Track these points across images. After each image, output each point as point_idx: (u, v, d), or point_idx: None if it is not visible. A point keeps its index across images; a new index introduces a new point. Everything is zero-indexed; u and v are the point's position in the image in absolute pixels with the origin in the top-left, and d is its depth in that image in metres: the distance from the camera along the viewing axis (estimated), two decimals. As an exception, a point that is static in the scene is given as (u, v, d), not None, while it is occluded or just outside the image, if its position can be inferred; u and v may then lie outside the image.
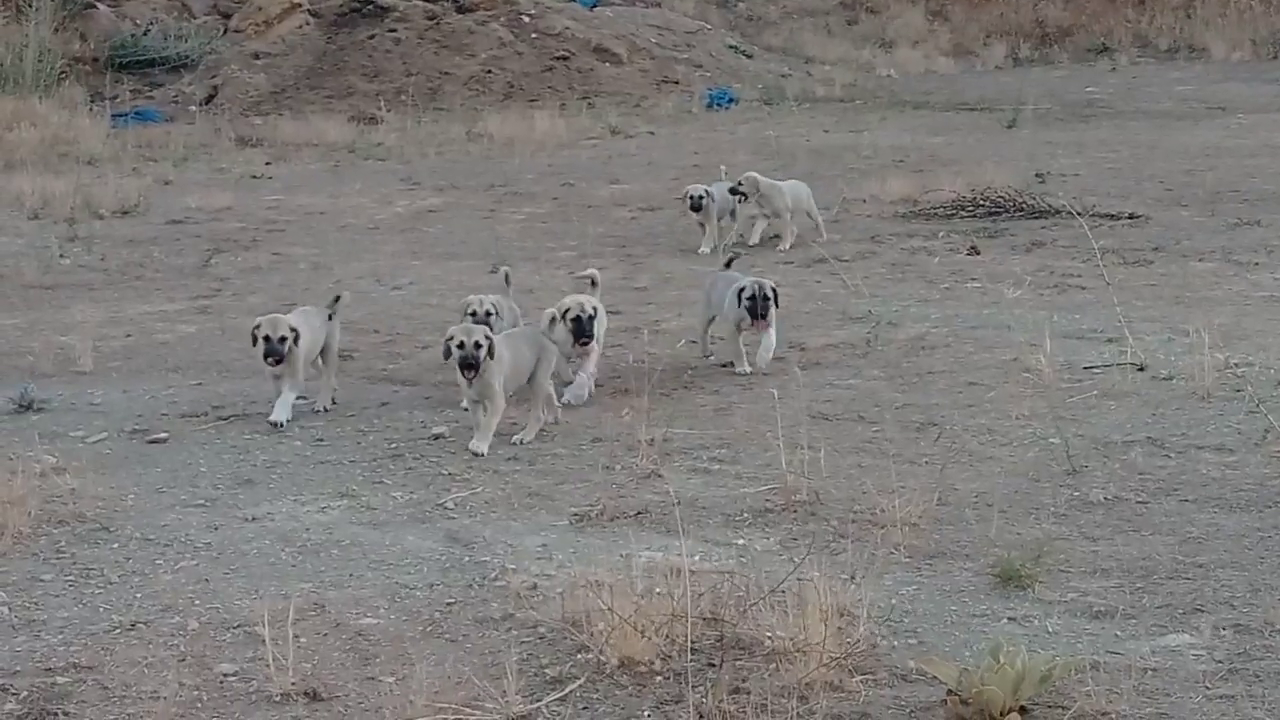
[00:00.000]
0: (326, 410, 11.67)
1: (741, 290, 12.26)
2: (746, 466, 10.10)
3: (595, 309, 11.56)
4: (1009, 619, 7.81)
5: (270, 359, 11.11)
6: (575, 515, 9.36)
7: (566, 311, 11.38)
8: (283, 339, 11.08)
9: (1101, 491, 9.40)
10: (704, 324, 13.00)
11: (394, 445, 10.82)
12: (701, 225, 18.08)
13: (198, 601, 8.21)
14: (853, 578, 7.91)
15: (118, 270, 17.66)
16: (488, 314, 11.68)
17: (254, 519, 9.40)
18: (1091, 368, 12.01)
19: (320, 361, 11.81)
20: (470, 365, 10.47)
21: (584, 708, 7.07)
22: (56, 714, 7.06)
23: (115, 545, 8.98)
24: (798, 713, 6.65)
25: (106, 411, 11.79)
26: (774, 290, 12.28)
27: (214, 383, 12.68)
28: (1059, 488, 9.49)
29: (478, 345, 10.53)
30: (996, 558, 8.38)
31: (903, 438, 10.55)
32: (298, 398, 11.50)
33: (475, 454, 10.40)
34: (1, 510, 9.11)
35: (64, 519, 9.35)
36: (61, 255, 18.13)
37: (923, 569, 8.42)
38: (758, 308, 12.17)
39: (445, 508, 9.54)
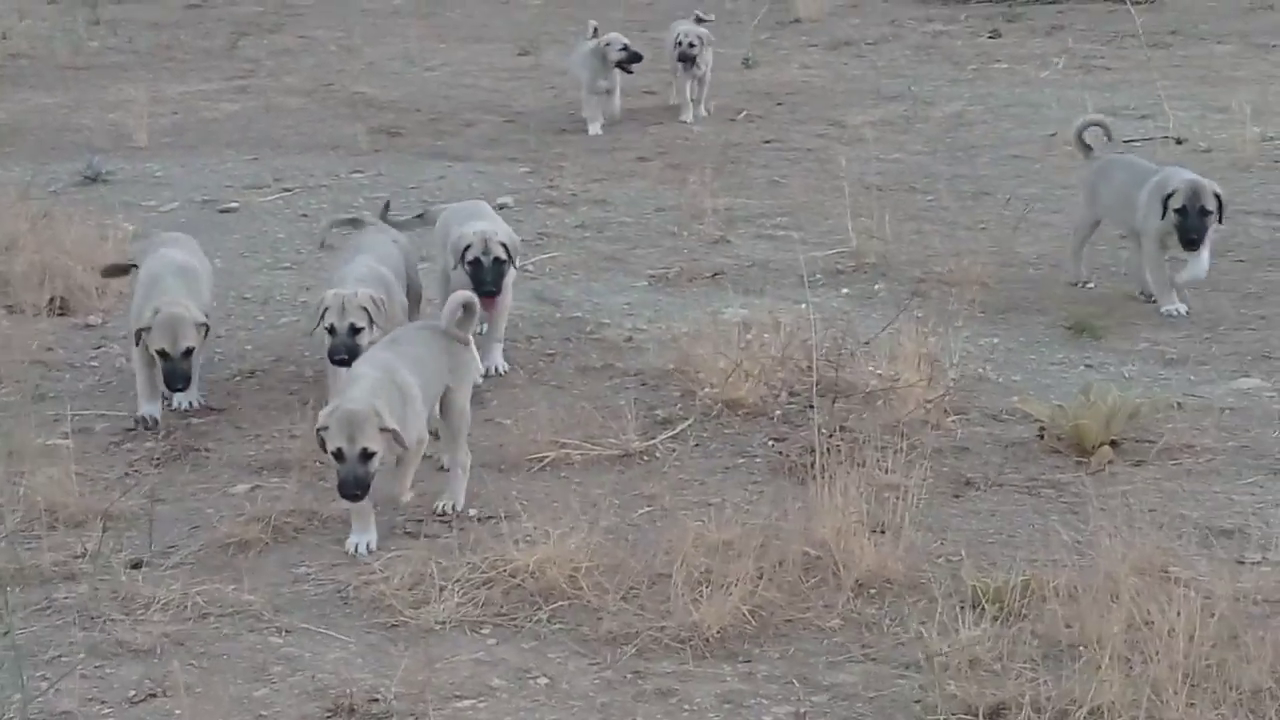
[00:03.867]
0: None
1: (1170, 196, 8.80)
2: (810, 233, 10.45)
3: (506, 245, 8.12)
4: (1086, 366, 8.25)
5: (340, 356, 7.43)
6: (653, 276, 9.73)
7: (466, 249, 8.07)
8: (356, 330, 7.47)
9: (1160, 253, 9.81)
10: (1083, 231, 9.49)
11: (461, 215, 11.10)
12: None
13: (307, 352, 8.58)
14: (934, 331, 8.30)
15: (147, 52, 17.81)
16: (353, 329, 7.44)
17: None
18: (1131, 141, 12.34)
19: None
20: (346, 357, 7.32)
21: (696, 445, 7.50)
22: (198, 449, 7.45)
23: (214, 304, 9.29)
24: (901, 447, 7.05)
25: (170, 184, 12.06)
26: (1218, 197, 8.87)
27: (269, 157, 12.93)
28: (1117, 249, 9.88)
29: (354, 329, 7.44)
30: (1068, 312, 8.80)
31: (958, 206, 10.92)
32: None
33: (357, 553, 6.53)
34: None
35: (159, 280, 9.65)
36: (89, 39, 18.25)
37: (998, 323, 8.84)
38: (1191, 226, 8.72)
39: (526, 270, 9.86)
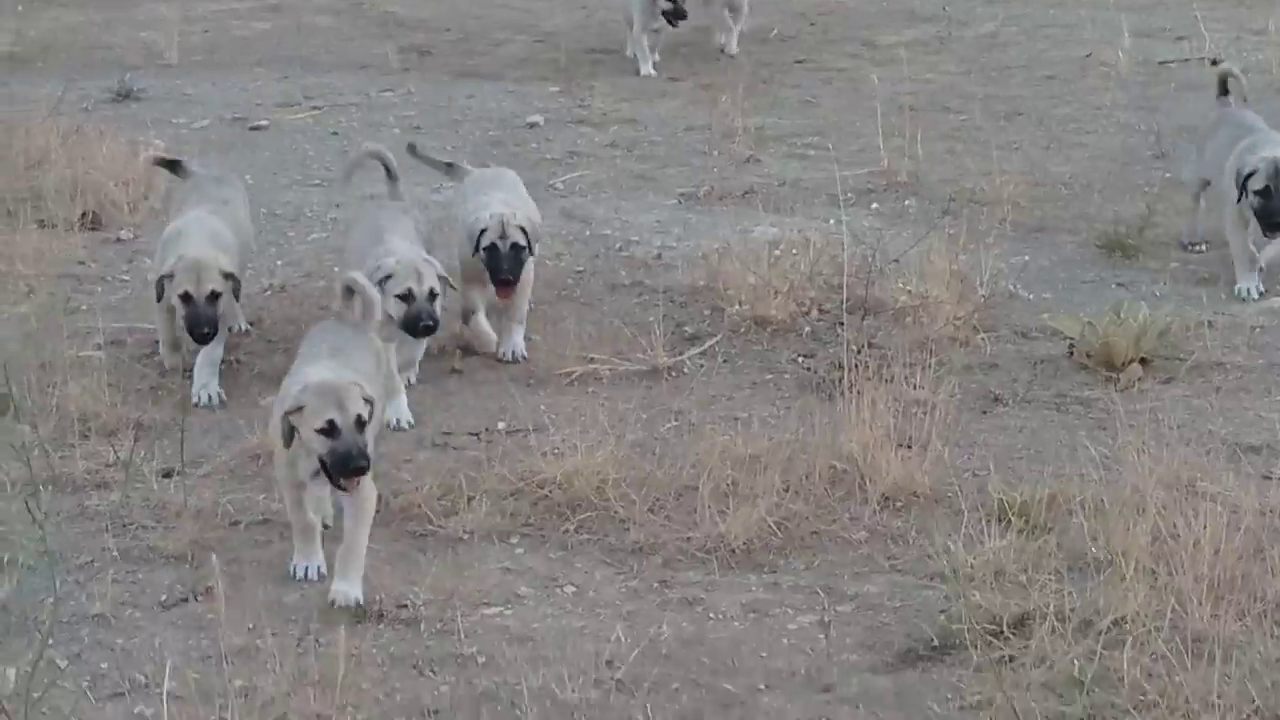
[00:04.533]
0: None
1: (1250, 177, 8.00)
2: (841, 152, 10.39)
3: (525, 229, 7.47)
4: (1117, 285, 8.24)
5: (422, 325, 6.97)
6: (683, 195, 9.72)
7: (482, 233, 7.41)
8: (433, 294, 6.99)
9: (1192, 173, 9.77)
10: (1193, 188, 8.77)
11: (491, 133, 11.11)
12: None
13: (337, 268, 8.59)
14: (965, 249, 8.28)
15: (179, -30, 17.72)
16: (432, 295, 7.01)
17: (372, 196, 9.71)
18: (1166, 62, 12.25)
19: None
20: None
21: (724, 361, 7.52)
22: (230, 361, 7.49)
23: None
24: (929, 364, 7.05)
25: (201, 101, 12.04)
26: None
27: (299, 75, 12.88)
28: (1150, 169, 9.85)
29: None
30: (1099, 231, 8.78)
31: (991, 126, 10.87)
32: None
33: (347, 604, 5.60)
34: (133, 187, 9.44)
35: (190, 196, 9.68)
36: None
37: (1029, 241, 8.83)
38: (1273, 210, 7.93)
39: (555, 188, 9.88)
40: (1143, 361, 7.19)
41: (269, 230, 9.18)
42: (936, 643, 5.32)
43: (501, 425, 6.87)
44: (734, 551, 5.89)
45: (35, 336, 7.52)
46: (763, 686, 5.17)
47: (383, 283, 6.78)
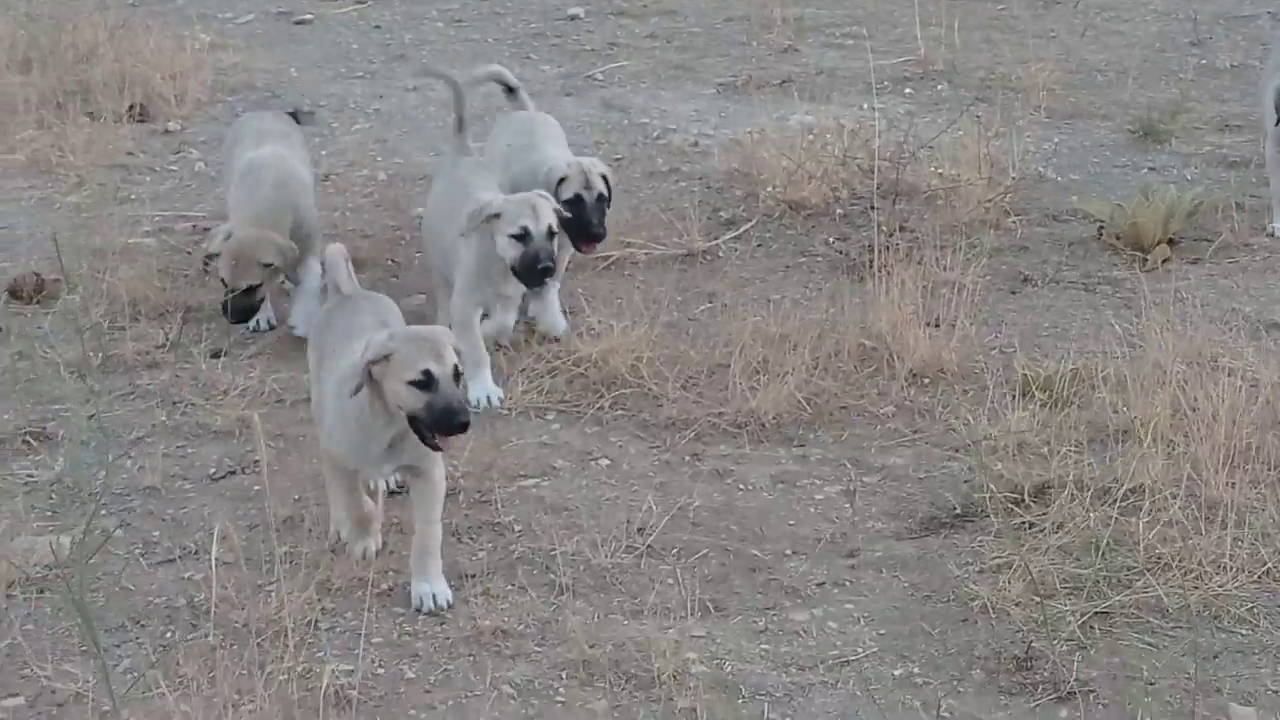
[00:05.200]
0: None
1: None
2: (879, 41, 10.46)
3: (607, 178, 6.84)
4: (1149, 169, 8.32)
5: (541, 267, 6.29)
6: (721, 85, 9.82)
7: (562, 182, 6.72)
8: (551, 233, 6.35)
9: (1228, 59, 9.83)
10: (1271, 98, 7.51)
11: (532, 25, 11.20)
12: None
13: (379, 158, 8.75)
14: (998, 134, 8.37)
15: None
16: (550, 234, 6.33)
17: (415, 89, 9.85)
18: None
19: None
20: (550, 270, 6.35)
21: (758, 245, 7.65)
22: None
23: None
24: (960, 246, 7.17)
25: (245, -4, 12.16)
26: None
27: (343, -29, 12.97)
28: (1185, 56, 9.91)
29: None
30: (1133, 117, 8.85)
31: (1028, 14, 10.92)
32: None
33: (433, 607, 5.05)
34: (180, 80, 9.59)
35: (235, 88, 9.86)
36: None
37: (1063, 127, 8.91)
38: None
39: (595, 79, 9.98)
40: (1170, 243, 7.29)
41: (314, 121, 9.30)
42: (959, 510, 5.47)
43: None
44: (764, 426, 6.04)
45: (86, 225, 7.68)
46: (789, 552, 5.33)
47: (491, 222, 6.28)
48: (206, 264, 6.78)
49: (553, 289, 6.74)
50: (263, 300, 6.80)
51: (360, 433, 4.99)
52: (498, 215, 6.25)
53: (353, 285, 5.54)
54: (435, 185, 6.86)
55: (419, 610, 4.99)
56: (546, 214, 6.28)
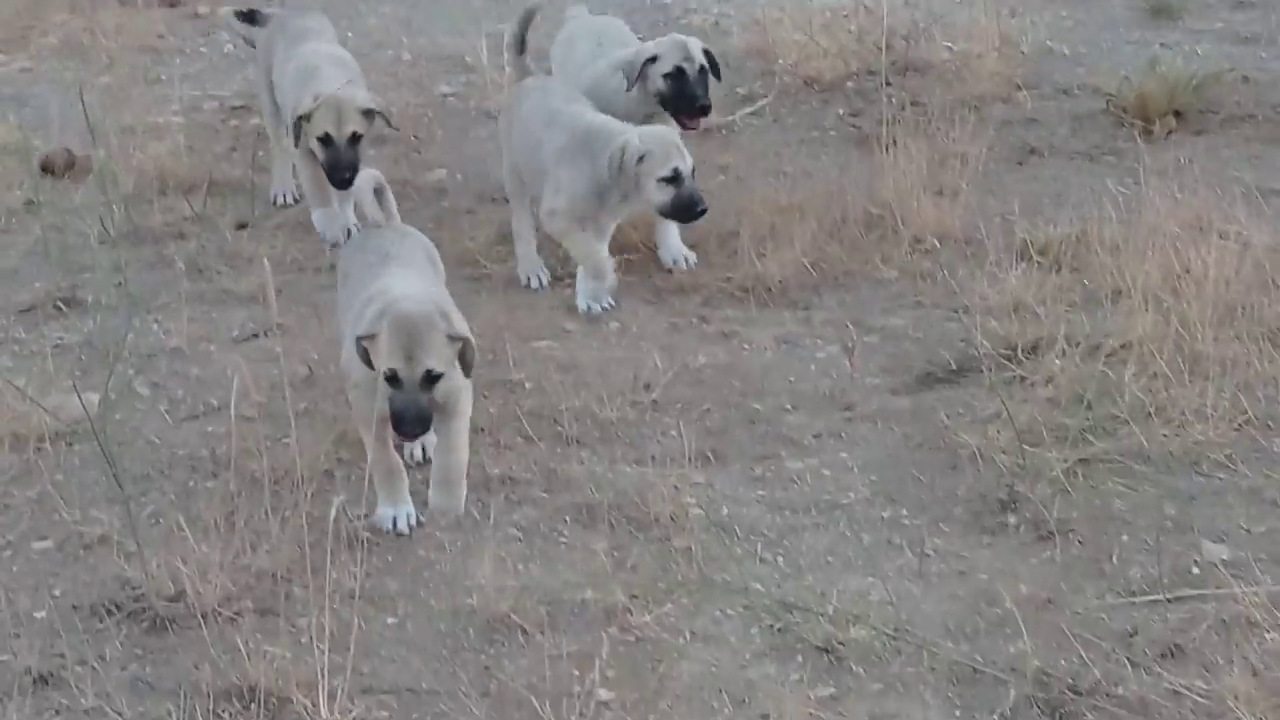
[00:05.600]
0: None
1: None
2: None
3: (709, 52, 6.63)
4: (1161, 45, 8.42)
5: (699, 209, 6.13)
6: (743, -34, 9.90)
7: (653, 61, 6.53)
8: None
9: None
10: None
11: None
12: None
13: (405, 38, 8.92)
14: (1013, 11, 8.47)
15: None
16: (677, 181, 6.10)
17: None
18: None
19: None
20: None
21: (774, 120, 7.80)
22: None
23: None
24: (970, 119, 7.29)
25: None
26: None
27: None
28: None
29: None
30: (1148, -11, 8.95)
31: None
32: None
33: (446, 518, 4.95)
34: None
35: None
36: None
37: (1075, 4, 9.02)
38: None
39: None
40: (1176, 115, 7.40)
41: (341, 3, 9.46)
42: (954, 367, 5.65)
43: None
44: (770, 290, 6.22)
45: (116, 104, 7.87)
46: (788, 406, 5.52)
47: (639, 164, 6.00)
48: (298, 130, 6.51)
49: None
50: (363, 157, 6.52)
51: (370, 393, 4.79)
52: (643, 158, 5.99)
53: (378, 214, 5.44)
54: (521, 106, 6.46)
55: (381, 528, 4.86)
56: (689, 154, 6.06)
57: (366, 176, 5.61)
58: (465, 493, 4.89)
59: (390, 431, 4.82)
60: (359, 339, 4.72)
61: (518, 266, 6.44)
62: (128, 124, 7.65)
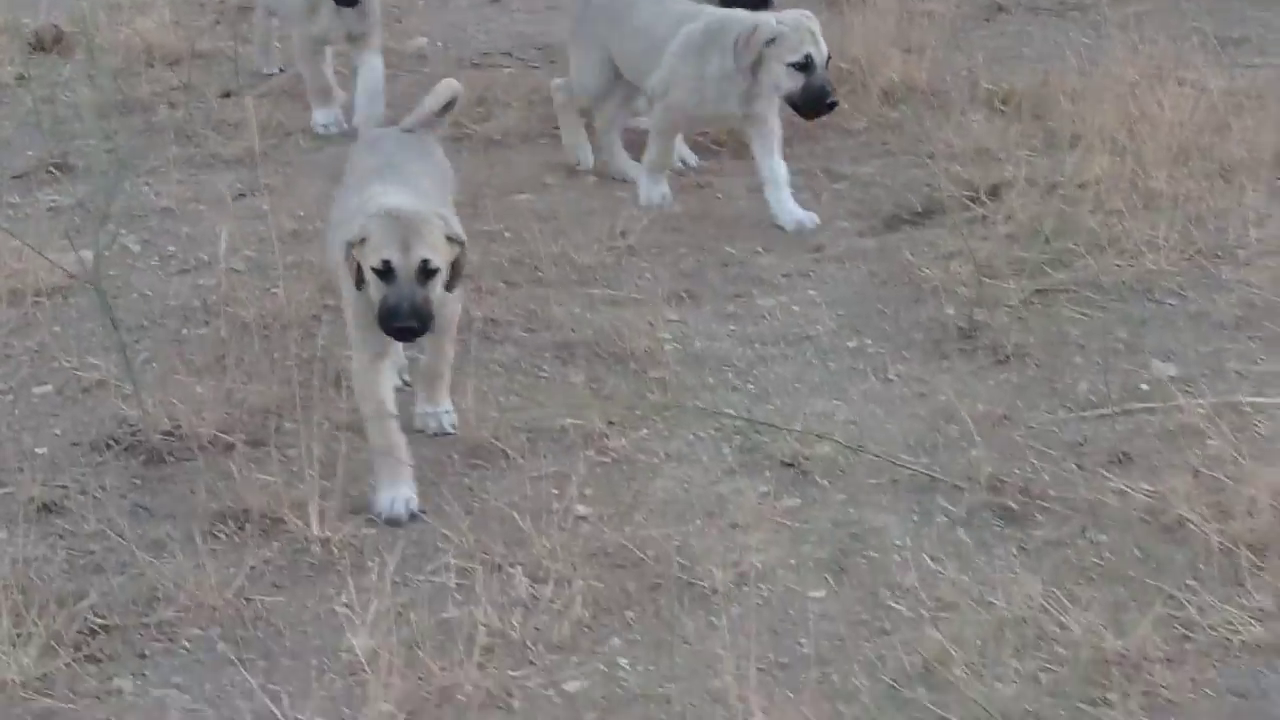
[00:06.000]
0: None
1: None
2: None
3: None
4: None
5: (829, 101, 5.83)
6: None
7: (775, 41, 5.74)
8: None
9: None
10: None
11: None
12: None
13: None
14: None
15: None
16: None
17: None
18: None
19: None
20: None
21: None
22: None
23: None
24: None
25: None
26: None
27: None
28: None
29: None
30: None
31: None
32: None
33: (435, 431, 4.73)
34: None
35: None
36: None
37: None
38: None
39: None
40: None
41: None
42: (920, 209, 5.85)
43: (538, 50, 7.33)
44: (743, 144, 6.37)
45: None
46: (759, 249, 5.72)
47: (768, 45, 5.70)
48: None
49: (784, 170, 5.90)
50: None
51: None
52: (773, 40, 5.69)
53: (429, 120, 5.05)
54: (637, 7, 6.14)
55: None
56: (823, 41, 5.72)
57: (447, 86, 5.09)
58: (451, 406, 4.75)
59: (391, 392, 4.46)
60: (348, 245, 4.34)
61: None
62: (114, 0, 7.78)
